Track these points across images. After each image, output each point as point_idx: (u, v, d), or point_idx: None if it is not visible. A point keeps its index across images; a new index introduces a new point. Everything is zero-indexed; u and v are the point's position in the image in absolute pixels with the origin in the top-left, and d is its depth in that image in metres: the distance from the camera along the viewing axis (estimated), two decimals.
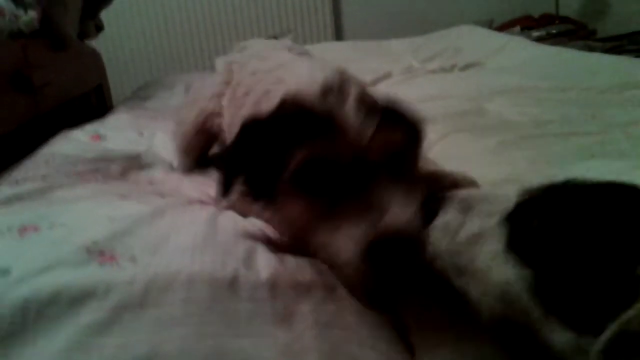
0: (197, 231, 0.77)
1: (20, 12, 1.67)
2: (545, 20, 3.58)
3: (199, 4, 3.61)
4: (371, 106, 0.72)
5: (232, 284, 0.66)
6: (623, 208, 0.47)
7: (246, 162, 0.77)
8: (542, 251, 0.50)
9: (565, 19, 3.53)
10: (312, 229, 0.71)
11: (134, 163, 1.26)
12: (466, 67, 2.14)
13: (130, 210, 0.84)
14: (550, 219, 0.51)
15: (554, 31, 3.33)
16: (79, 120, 1.77)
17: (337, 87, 0.75)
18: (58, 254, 0.69)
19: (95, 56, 2.48)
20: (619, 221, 0.46)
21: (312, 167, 0.70)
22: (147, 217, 0.81)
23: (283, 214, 0.77)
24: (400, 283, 0.65)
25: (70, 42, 1.95)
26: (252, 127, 0.79)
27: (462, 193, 0.62)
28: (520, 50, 2.14)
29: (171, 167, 1.29)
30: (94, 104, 2.39)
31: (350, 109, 0.71)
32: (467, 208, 0.59)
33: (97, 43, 2.56)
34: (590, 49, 2.25)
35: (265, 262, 0.70)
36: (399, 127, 0.73)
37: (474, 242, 0.56)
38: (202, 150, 1.27)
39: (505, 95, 1.49)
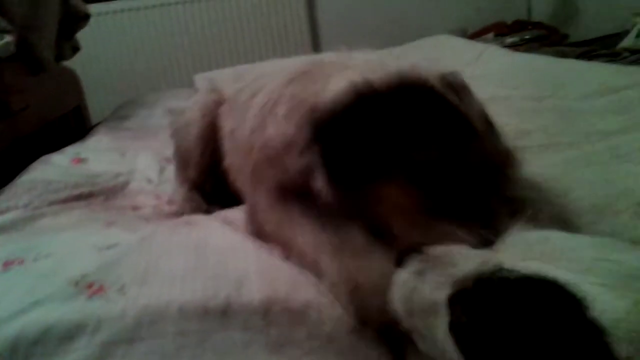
0: (186, 256, 0.76)
1: None
2: (518, 26, 3.63)
3: (175, 22, 3.60)
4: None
5: (225, 312, 0.65)
6: (546, 305, 0.46)
7: (355, 140, 0.65)
8: (471, 346, 0.49)
9: (537, 24, 3.59)
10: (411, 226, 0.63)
11: (117, 186, 1.25)
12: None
13: (117, 239, 0.83)
14: (477, 319, 0.49)
15: (527, 37, 3.38)
16: (58, 143, 1.75)
17: (457, 83, 0.69)
18: (45, 288, 0.69)
19: (72, 77, 2.46)
20: (543, 321, 0.45)
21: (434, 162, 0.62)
22: (134, 245, 0.81)
23: (378, 204, 0.67)
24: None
25: (47, 65, 1.93)
26: (368, 98, 0.66)
27: (427, 251, 0.56)
28: (496, 58, 2.16)
29: (156, 187, 1.28)
30: (72, 125, 2.36)
31: (476, 112, 0.65)
32: (422, 271, 0.54)
33: (73, 64, 2.54)
34: (563, 55, 2.29)
35: (258, 287, 0.69)
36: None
37: (429, 312, 0.53)
38: (208, 164, 1.19)
39: (485, 105, 1.50)
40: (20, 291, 0.69)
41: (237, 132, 1.07)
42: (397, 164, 0.64)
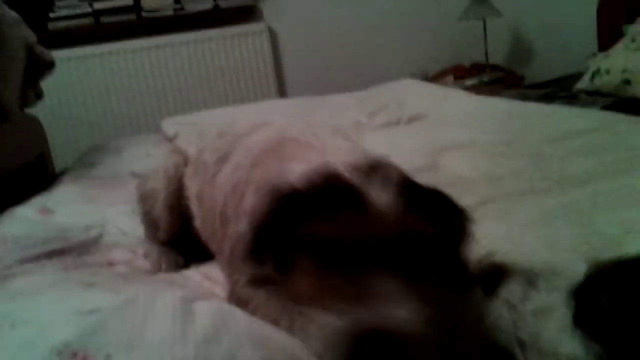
0: (173, 321, 0.74)
1: None
2: (476, 69, 3.77)
3: (140, 68, 3.60)
4: (409, 194, 0.67)
5: None
6: None
7: (279, 234, 0.70)
8: (611, 326, 0.50)
9: (494, 67, 3.73)
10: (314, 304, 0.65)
11: (89, 241, 1.21)
12: (411, 120, 2.21)
13: (99, 303, 0.80)
14: (621, 294, 0.51)
15: (485, 79, 3.51)
16: (21, 193, 1.70)
17: (382, 168, 0.71)
18: (28, 359, 0.65)
19: (35, 125, 2.40)
20: None
21: (331, 243, 0.65)
22: (117, 309, 0.77)
23: (294, 287, 0.71)
24: None
25: (11, 113, 1.89)
26: (291, 198, 0.71)
27: (525, 264, 0.60)
28: (460, 102, 2.23)
29: (130, 240, 1.25)
30: (35, 174, 2.30)
31: (389, 194, 0.66)
32: (531, 281, 0.58)
33: (35, 110, 2.49)
34: (525, 98, 2.38)
35: (253, 355, 0.68)
36: (431, 222, 0.67)
37: (540, 316, 0.55)
38: (178, 227, 1.22)
39: (454, 150, 1.54)
40: None
41: (205, 197, 1.09)
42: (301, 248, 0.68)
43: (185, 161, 1.24)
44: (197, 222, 1.14)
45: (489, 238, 0.85)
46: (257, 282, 0.82)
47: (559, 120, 1.69)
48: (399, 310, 0.56)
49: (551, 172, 1.19)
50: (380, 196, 0.65)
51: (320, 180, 0.70)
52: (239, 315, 0.77)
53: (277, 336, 0.73)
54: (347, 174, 0.69)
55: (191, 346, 0.67)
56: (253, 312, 0.79)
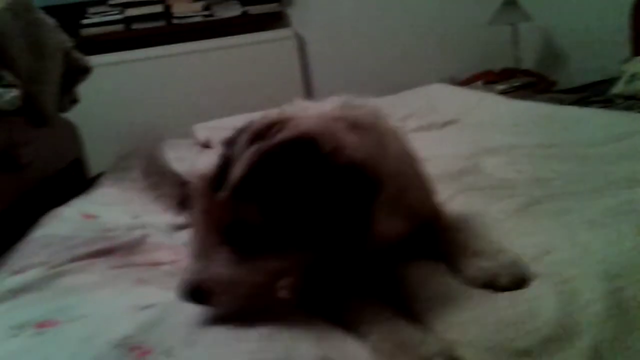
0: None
1: (2, 90, 1.65)
2: (506, 74, 3.73)
3: (170, 73, 3.63)
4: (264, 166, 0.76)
5: None
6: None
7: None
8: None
9: (525, 72, 3.69)
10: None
11: (134, 241, 1.22)
12: (444, 125, 2.20)
13: (153, 298, 0.81)
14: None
15: (516, 84, 3.47)
16: (60, 196, 1.72)
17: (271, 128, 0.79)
18: (87, 353, 0.66)
19: (72, 130, 2.45)
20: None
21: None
22: (172, 304, 0.78)
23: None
24: None
25: (50, 118, 1.92)
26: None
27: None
28: (494, 106, 2.20)
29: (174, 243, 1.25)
30: (72, 177, 2.34)
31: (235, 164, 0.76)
32: None
33: (71, 115, 2.53)
34: (559, 102, 2.35)
35: (313, 347, 0.67)
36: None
37: None
38: None
39: (494, 154, 1.52)
40: (63, 355, 0.66)
41: None
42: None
43: None
44: None
45: (546, 236, 0.84)
46: None
47: (599, 123, 1.66)
48: (219, 272, 0.74)
49: (599, 174, 1.17)
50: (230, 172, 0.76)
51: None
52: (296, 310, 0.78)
53: (334, 334, 0.73)
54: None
55: (254, 341, 0.67)
56: None
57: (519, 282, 0.76)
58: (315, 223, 0.74)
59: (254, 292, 0.75)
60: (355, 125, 0.84)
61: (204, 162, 1.28)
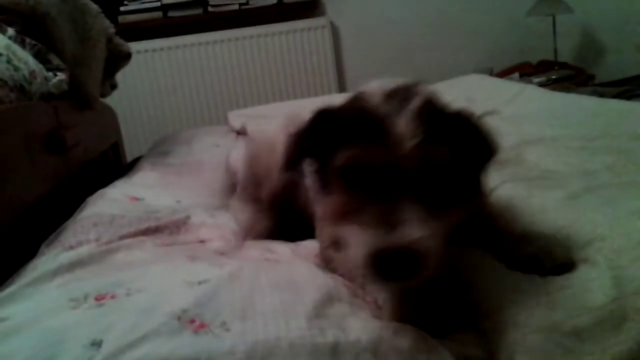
0: (281, 295, 0.76)
1: (50, 74, 1.69)
2: (544, 66, 3.68)
3: (206, 60, 3.68)
4: (426, 118, 0.73)
5: (334, 350, 0.65)
6: None
7: (312, 147, 0.82)
8: None
9: (563, 65, 3.63)
10: (340, 224, 0.74)
11: (179, 221, 1.25)
12: (483, 116, 2.17)
13: (206, 274, 0.83)
14: None
15: (554, 77, 3.41)
16: (101, 179, 1.77)
17: (401, 93, 0.76)
18: (148, 323, 0.68)
19: (111, 114, 2.50)
20: None
21: (355, 167, 0.73)
22: (225, 280, 0.80)
23: (327, 205, 0.79)
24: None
25: (94, 101, 1.97)
26: (323, 115, 0.83)
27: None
28: (536, 98, 2.17)
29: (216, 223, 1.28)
30: (111, 160, 2.39)
31: (402, 118, 0.72)
32: None
33: (108, 100, 2.58)
34: (600, 95, 2.31)
35: (362, 326, 0.69)
36: (447, 144, 0.73)
37: None
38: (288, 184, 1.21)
39: (537, 145, 1.50)
40: (123, 326, 0.68)
41: None
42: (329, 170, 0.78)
43: None
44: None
45: (595, 225, 0.84)
46: (336, 245, 0.88)
47: None
48: (415, 231, 0.66)
49: None
50: (401, 125, 0.72)
51: (352, 105, 0.80)
52: (342, 292, 0.79)
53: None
54: (375, 100, 0.76)
55: (304, 318, 0.69)
56: (334, 269, 0.89)
57: (563, 266, 0.77)
58: (468, 170, 0.77)
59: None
60: None
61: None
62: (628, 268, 0.72)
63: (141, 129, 3.62)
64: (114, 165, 2.39)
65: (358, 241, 0.68)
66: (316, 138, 0.81)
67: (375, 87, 0.81)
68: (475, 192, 0.83)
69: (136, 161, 2.23)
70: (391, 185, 0.70)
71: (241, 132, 2.53)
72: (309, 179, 0.95)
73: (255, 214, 1.23)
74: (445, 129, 0.74)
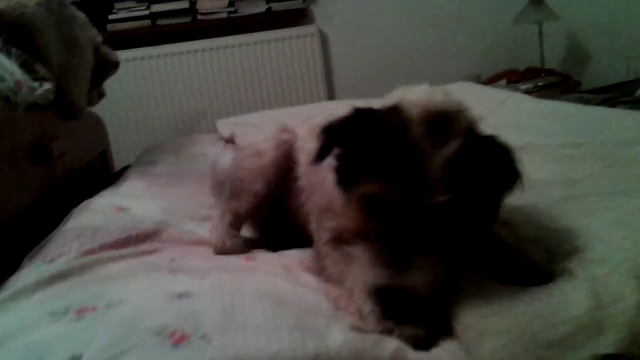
0: (263, 306, 0.76)
1: (36, 84, 1.68)
2: (531, 73, 3.70)
3: (195, 68, 3.67)
4: (462, 161, 0.74)
5: None
6: None
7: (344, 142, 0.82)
8: None
9: (550, 72, 3.66)
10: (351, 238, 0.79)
11: (159, 230, 1.25)
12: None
13: (187, 286, 0.83)
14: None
15: (540, 83, 3.44)
16: (88, 188, 1.76)
17: (443, 123, 0.77)
18: (128, 337, 0.68)
19: (99, 123, 2.49)
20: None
21: (380, 198, 0.75)
22: (206, 293, 0.80)
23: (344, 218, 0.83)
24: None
25: (81, 111, 1.96)
26: (361, 115, 0.83)
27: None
28: (521, 105, 2.19)
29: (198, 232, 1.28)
30: (98, 169, 2.38)
31: (439, 162, 0.73)
32: None
33: (96, 109, 2.57)
34: (585, 102, 2.33)
35: (343, 337, 0.69)
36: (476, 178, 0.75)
37: None
38: (271, 192, 1.22)
39: (521, 152, 1.51)
40: (103, 340, 0.68)
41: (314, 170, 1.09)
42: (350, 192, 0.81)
43: (294, 138, 1.25)
44: (302, 198, 1.16)
45: (576, 235, 0.85)
46: (334, 242, 0.93)
47: (627, 124, 1.64)
48: (418, 278, 0.72)
49: (628, 175, 1.16)
50: (436, 171, 0.73)
51: (390, 119, 0.79)
52: (322, 302, 0.80)
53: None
54: (415, 123, 0.77)
55: (285, 330, 0.69)
56: (327, 266, 0.92)
57: (543, 276, 0.78)
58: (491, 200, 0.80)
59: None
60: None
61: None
62: (605, 278, 0.73)
63: (130, 137, 3.60)
64: (101, 173, 2.38)
65: (367, 268, 0.75)
66: (350, 135, 0.82)
67: (416, 98, 0.83)
68: (492, 218, 0.84)
69: (124, 170, 2.22)
70: (412, 221, 0.73)
71: (229, 141, 2.53)
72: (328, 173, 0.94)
73: (228, 230, 1.23)
74: (478, 163, 0.76)
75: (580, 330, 0.67)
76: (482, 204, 0.77)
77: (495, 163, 0.80)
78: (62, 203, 1.53)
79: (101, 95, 2.58)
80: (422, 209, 0.72)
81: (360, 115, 0.83)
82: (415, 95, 0.87)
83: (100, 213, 1.35)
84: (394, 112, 0.80)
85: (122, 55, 3.44)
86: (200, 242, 1.25)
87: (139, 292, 0.83)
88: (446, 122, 0.78)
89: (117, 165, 2.62)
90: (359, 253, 0.77)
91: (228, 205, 1.24)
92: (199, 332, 0.69)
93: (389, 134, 0.77)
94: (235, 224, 1.24)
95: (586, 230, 0.86)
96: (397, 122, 0.78)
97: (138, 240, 1.18)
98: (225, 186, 1.28)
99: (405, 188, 0.73)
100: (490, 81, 3.74)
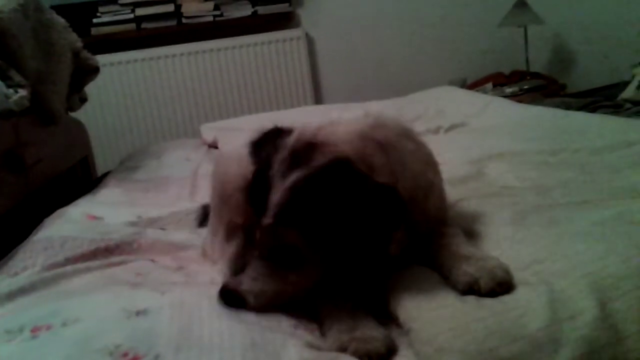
0: (219, 323, 0.75)
1: (10, 91, 1.67)
2: (516, 76, 3.71)
3: (180, 72, 3.65)
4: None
5: None
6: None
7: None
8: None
9: (535, 75, 3.66)
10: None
11: (132, 240, 1.23)
12: (451, 128, 2.19)
13: (146, 303, 0.81)
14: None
15: (526, 87, 3.44)
16: (67, 195, 1.74)
17: (306, 152, 0.86)
18: (80, 357, 0.67)
19: (80, 128, 2.47)
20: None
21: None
22: (164, 310, 0.79)
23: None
24: None
25: (59, 117, 1.94)
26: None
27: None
28: (502, 111, 2.19)
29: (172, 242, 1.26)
30: (79, 175, 2.36)
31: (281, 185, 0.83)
32: None
33: (77, 114, 2.55)
34: (568, 106, 2.32)
35: (299, 356, 0.68)
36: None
37: None
38: None
39: (499, 159, 1.51)
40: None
41: None
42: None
43: None
44: None
45: (538, 246, 0.84)
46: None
47: (606, 130, 1.64)
48: (255, 283, 0.83)
49: (601, 183, 1.16)
50: (275, 193, 0.83)
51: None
52: (282, 317, 0.79)
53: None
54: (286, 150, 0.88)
55: (239, 349, 0.68)
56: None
57: (500, 288, 0.77)
58: (348, 241, 0.80)
59: (284, 301, 0.84)
60: (382, 146, 0.89)
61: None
62: (564, 292, 0.72)
63: (114, 141, 3.58)
64: (82, 180, 2.36)
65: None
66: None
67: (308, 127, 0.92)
68: (368, 250, 0.83)
69: (106, 175, 2.20)
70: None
71: (213, 145, 2.52)
72: None
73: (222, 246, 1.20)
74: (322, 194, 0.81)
75: (537, 347, 0.66)
76: (337, 234, 0.80)
77: (347, 196, 0.81)
78: (38, 211, 1.52)
79: (83, 100, 2.56)
80: (259, 229, 0.84)
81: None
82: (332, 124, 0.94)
83: (72, 223, 1.33)
84: (273, 143, 0.93)
85: (107, 59, 3.44)
86: (172, 249, 1.24)
87: (97, 309, 0.81)
88: (308, 154, 0.85)
89: (102, 171, 2.60)
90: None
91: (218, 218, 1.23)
92: (152, 352, 0.68)
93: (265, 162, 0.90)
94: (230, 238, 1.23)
95: (548, 241, 0.86)
96: (269, 153, 0.90)
97: (107, 251, 1.16)
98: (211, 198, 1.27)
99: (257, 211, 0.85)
100: (476, 85, 3.74)
